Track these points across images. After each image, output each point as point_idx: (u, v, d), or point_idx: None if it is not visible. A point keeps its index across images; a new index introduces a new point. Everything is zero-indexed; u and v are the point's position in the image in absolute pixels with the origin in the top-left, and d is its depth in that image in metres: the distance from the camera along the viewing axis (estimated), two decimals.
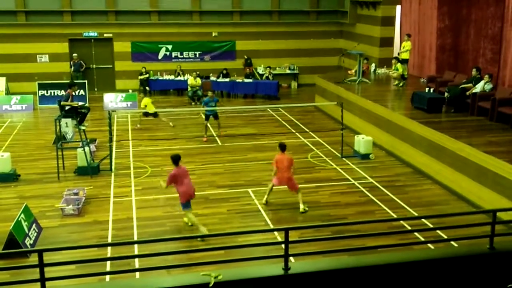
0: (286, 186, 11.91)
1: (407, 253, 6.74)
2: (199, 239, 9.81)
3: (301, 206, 11.66)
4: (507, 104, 13.92)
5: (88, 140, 14.60)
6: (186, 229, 10.76)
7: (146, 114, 18.10)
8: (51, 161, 14.26)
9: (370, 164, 14.66)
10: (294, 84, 25.73)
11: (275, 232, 10.20)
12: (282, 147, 12.02)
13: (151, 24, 24.25)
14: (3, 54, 23.10)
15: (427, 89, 16.64)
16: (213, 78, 23.54)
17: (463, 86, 15.40)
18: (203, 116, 17.50)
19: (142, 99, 18.47)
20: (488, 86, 14.83)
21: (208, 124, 17.03)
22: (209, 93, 17.10)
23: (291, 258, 6.05)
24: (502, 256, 6.43)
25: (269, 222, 11.15)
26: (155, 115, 18.08)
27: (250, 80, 23.30)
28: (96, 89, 24.12)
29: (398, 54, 20.00)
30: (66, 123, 13.85)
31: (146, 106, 17.98)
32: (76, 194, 11.96)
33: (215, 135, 17.16)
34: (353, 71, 21.18)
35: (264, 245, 9.04)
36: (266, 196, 12.05)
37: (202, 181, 13.36)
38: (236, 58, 25.28)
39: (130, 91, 22.62)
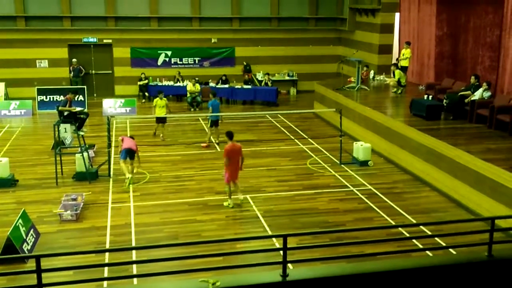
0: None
1: (406, 260, 6.73)
2: None
3: (230, 201, 11.96)
4: (505, 112, 13.94)
5: (87, 146, 14.60)
6: (184, 235, 10.75)
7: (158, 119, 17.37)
8: (50, 166, 14.25)
9: (368, 171, 14.66)
10: (293, 91, 25.76)
11: (274, 239, 10.20)
12: (230, 135, 11.38)
13: (150, 30, 24.30)
14: (3, 59, 23.11)
15: (425, 96, 16.67)
16: (212, 84, 23.57)
17: (461, 93, 15.43)
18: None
19: (159, 99, 17.42)
20: (487, 94, 14.86)
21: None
22: (210, 96, 17.61)
23: (289, 265, 6.03)
24: (501, 264, 6.42)
25: (267, 228, 11.13)
26: (164, 120, 17.50)
27: (249, 87, 23.33)
28: (95, 94, 24.13)
29: (397, 60, 20.04)
30: (65, 128, 13.85)
31: (165, 105, 17.34)
32: (74, 199, 11.94)
33: (214, 142, 17.14)
34: (352, 78, 21.22)
35: (262, 251, 9.03)
36: (230, 200, 11.94)
37: (200, 187, 13.36)
38: (235, 64, 25.33)
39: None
